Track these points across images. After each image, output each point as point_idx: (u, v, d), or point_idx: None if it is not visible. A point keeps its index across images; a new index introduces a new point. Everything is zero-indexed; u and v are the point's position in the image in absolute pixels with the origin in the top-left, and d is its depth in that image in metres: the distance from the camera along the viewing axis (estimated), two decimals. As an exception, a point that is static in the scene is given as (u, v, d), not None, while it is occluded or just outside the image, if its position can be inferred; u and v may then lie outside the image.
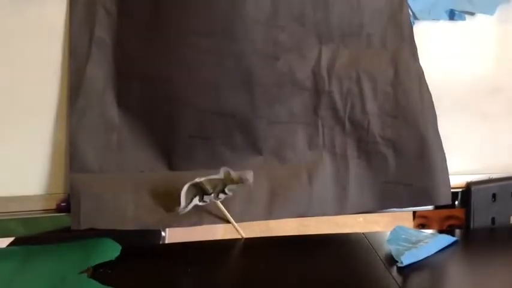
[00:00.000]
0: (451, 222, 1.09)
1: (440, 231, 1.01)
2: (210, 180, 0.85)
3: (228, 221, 0.92)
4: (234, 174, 0.85)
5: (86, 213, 0.87)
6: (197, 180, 0.84)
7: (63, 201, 0.89)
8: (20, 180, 0.90)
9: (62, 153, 0.89)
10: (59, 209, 0.90)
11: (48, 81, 0.88)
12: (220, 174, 0.85)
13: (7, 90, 0.88)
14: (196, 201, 0.85)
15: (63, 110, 0.89)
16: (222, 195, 0.86)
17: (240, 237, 0.94)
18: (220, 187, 0.86)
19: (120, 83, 0.90)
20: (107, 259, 0.84)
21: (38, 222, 0.91)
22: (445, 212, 1.08)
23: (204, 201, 0.86)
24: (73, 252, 0.87)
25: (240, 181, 0.85)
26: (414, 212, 1.23)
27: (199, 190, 0.86)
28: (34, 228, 0.92)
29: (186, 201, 0.84)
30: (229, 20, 0.87)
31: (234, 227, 0.92)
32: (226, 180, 0.85)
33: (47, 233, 0.93)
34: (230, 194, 0.87)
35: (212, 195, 0.86)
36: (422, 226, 1.18)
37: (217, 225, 0.97)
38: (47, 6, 0.87)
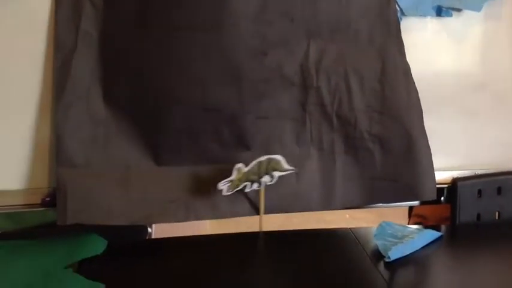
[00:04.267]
0: (449, 223, 1.06)
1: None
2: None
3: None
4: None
5: (72, 208, 0.85)
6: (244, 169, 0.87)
7: (47, 196, 0.89)
8: (3, 175, 0.89)
9: (46, 148, 0.88)
10: (43, 204, 0.89)
11: (32, 76, 0.87)
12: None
13: (-9, 84, 0.87)
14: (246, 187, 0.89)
15: (47, 104, 0.88)
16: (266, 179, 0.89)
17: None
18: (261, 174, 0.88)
19: (106, 77, 0.89)
20: (92, 254, 0.84)
21: (22, 217, 0.90)
22: (444, 212, 1.07)
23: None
24: (58, 247, 0.87)
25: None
26: (410, 210, 1.22)
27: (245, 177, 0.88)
28: (19, 223, 0.91)
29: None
30: (217, 14, 0.87)
31: (260, 218, 0.93)
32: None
33: (32, 228, 0.92)
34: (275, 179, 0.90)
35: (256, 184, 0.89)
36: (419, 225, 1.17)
37: (204, 221, 0.97)
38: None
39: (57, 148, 0.86)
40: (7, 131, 0.88)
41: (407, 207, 1.15)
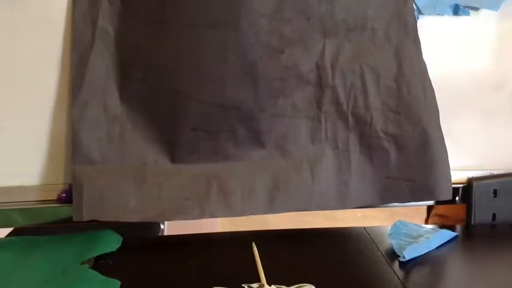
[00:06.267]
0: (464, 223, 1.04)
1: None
2: None
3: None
4: None
5: (88, 204, 0.86)
6: None
7: (63, 192, 0.89)
8: (20, 171, 0.89)
9: (62, 144, 0.89)
10: (59, 200, 0.89)
11: (49, 72, 0.87)
12: None
13: (8, 80, 0.87)
14: None
15: (64, 101, 0.88)
16: None
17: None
18: None
19: (123, 74, 0.89)
20: (108, 250, 0.84)
21: (38, 213, 0.91)
22: (460, 212, 1.06)
23: None
24: (74, 243, 0.87)
25: None
26: (429, 210, 1.21)
27: None
28: (34, 219, 0.92)
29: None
30: (234, 11, 0.87)
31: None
32: None
33: (47, 224, 0.92)
34: None
35: None
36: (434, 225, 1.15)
37: (217, 218, 0.96)
38: (48, -5, 0.86)
39: (73, 145, 0.86)
40: (23, 127, 0.88)
41: (420, 206, 1.14)
